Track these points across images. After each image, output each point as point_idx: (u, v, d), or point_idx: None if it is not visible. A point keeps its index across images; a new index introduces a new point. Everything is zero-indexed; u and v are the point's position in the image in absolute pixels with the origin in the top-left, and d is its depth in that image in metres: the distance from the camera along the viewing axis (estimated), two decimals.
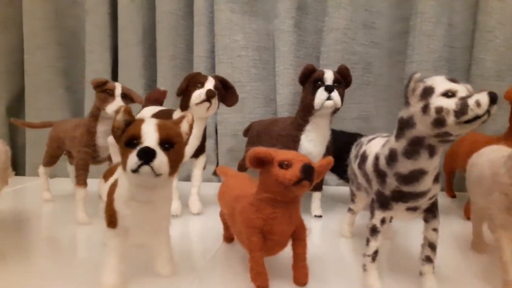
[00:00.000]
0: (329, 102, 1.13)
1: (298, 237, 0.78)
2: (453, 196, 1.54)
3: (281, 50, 1.71)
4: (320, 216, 1.26)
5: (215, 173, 1.85)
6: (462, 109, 0.59)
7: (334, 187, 1.73)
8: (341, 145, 1.22)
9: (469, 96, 0.60)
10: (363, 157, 0.83)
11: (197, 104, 1.15)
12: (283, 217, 0.74)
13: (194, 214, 1.28)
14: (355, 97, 1.69)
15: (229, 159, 1.83)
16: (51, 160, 1.41)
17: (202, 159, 1.32)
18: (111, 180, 0.81)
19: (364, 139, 0.91)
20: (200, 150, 1.29)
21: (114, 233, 0.74)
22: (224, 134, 1.82)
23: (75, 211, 1.18)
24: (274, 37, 1.76)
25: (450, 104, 0.61)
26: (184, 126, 0.73)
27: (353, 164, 0.92)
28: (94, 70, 1.90)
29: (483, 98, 0.58)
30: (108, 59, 1.92)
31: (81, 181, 1.18)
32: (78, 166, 1.19)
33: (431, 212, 0.77)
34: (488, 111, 0.59)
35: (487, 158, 0.86)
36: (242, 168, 1.47)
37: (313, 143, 1.19)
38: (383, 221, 0.76)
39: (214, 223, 1.13)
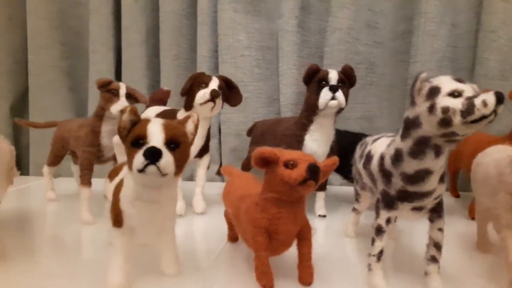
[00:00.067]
0: (334, 102, 1.13)
1: (303, 236, 0.78)
2: (457, 196, 1.54)
3: (285, 50, 1.71)
4: (324, 216, 1.27)
5: (218, 173, 1.85)
6: (468, 109, 0.59)
7: (338, 186, 1.73)
8: (345, 145, 1.21)
9: (475, 96, 0.60)
10: (368, 157, 0.83)
11: (201, 104, 1.16)
12: (288, 216, 0.74)
13: (198, 214, 1.28)
14: (358, 97, 1.69)
15: (232, 159, 1.83)
16: (55, 159, 1.41)
17: (206, 159, 1.32)
18: (116, 179, 0.81)
19: (369, 139, 0.91)
20: (204, 150, 1.30)
21: (120, 232, 0.74)
22: (228, 133, 1.83)
23: (80, 210, 1.18)
24: (277, 37, 1.76)
25: (457, 104, 0.61)
26: (189, 126, 0.73)
27: (358, 164, 0.92)
28: (98, 70, 1.91)
29: (490, 98, 0.58)
30: (112, 59, 1.93)
31: (85, 180, 1.19)
32: (83, 165, 1.20)
33: (436, 212, 0.77)
34: (494, 111, 0.59)
35: (493, 158, 0.85)
36: (245, 167, 1.47)
37: (317, 143, 1.19)
38: (388, 221, 0.76)
39: (218, 223, 1.13)
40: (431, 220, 0.77)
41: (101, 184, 1.09)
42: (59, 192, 1.50)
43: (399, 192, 0.73)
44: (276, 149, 0.73)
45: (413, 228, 1.14)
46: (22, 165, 2.06)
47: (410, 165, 0.69)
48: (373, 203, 0.90)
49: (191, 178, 1.79)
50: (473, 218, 1.22)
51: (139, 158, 0.63)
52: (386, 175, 0.74)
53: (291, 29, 1.69)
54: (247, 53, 1.77)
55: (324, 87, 1.14)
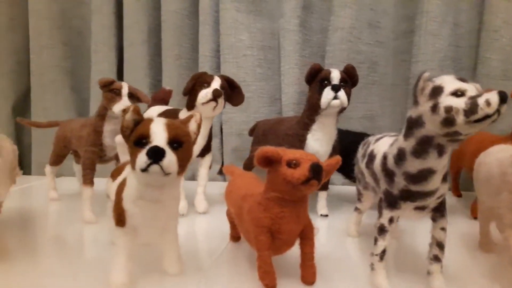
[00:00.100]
0: (336, 102, 1.12)
1: (306, 236, 0.78)
2: (459, 195, 1.54)
3: (287, 49, 1.71)
4: (326, 215, 1.26)
5: (220, 172, 1.85)
6: (472, 108, 0.59)
7: (340, 186, 1.73)
8: (347, 144, 1.21)
9: (478, 95, 0.60)
10: (371, 156, 0.83)
11: (203, 103, 1.16)
12: (291, 216, 0.74)
13: (200, 213, 1.28)
14: (360, 97, 1.68)
15: (234, 159, 1.83)
16: (57, 159, 1.41)
17: (208, 159, 1.32)
18: (119, 179, 0.81)
19: (371, 138, 0.91)
20: (206, 150, 1.30)
21: (123, 232, 0.74)
22: (229, 133, 1.83)
23: (82, 210, 1.18)
24: (279, 36, 1.76)
25: (460, 103, 0.61)
26: (192, 126, 0.73)
27: (361, 163, 0.92)
28: (100, 69, 1.91)
29: (493, 97, 0.58)
30: (114, 59, 1.93)
31: (87, 180, 1.19)
32: (85, 165, 1.20)
33: (439, 211, 0.77)
34: (498, 110, 0.59)
35: (495, 157, 0.85)
36: (247, 167, 1.47)
37: (319, 143, 1.19)
38: (391, 220, 0.76)
39: (220, 222, 1.13)
40: (434, 219, 0.77)
41: (103, 184, 1.09)
42: (61, 191, 1.50)
43: (402, 191, 0.73)
44: (279, 149, 0.73)
45: (415, 228, 1.14)
46: (24, 165, 2.06)
47: (413, 165, 0.69)
48: (376, 203, 0.90)
49: (193, 177, 1.79)
50: (475, 218, 1.22)
51: (142, 158, 0.63)
52: (389, 175, 0.74)
53: (293, 29, 1.69)
54: (249, 52, 1.77)
55: (326, 87, 1.14)
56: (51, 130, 1.48)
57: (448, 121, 0.62)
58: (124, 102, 1.15)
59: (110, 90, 1.16)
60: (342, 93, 1.13)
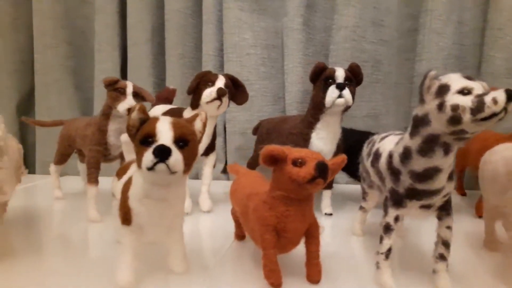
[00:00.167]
0: (340, 100, 1.12)
1: (311, 234, 0.78)
2: (463, 194, 1.54)
3: (290, 48, 1.71)
4: (331, 214, 1.26)
5: (224, 171, 1.85)
6: (478, 107, 0.59)
7: (344, 185, 1.72)
8: (351, 143, 1.21)
9: (485, 94, 0.60)
10: (376, 155, 0.83)
11: (207, 102, 1.16)
12: (296, 214, 0.74)
13: (205, 212, 1.28)
14: (364, 95, 1.68)
15: (237, 157, 1.83)
16: (62, 158, 1.42)
17: (212, 157, 1.32)
18: (124, 178, 0.81)
19: (376, 137, 0.91)
20: (210, 148, 1.30)
21: (129, 230, 0.74)
22: (233, 132, 1.83)
23: (87, 209, 1.19)
24: (282, 35, 1.76)
25: (466, 101, 0.60)
26: (197, 124, 0.74)
27: (366, 162, 0.92)
28: (103, 69, 1.91)
29: (500, 95, 0.58)
30: (117, 58, 1.93)
31: (92, 179, 1.19)
32: (90, 164, 1.20)
33: (444, 210, 0.77)
34: (505, 109, 0.58)
35: (501, 156, 0.85)
36: (251, 166, 1.47)
37: (323, 141, 1.19)
38: (396, 219, 0.76)
39: (225, 221, 1.13)
40: (440, 218, 0.77)
41: (107, 183, 1.09)
42: (65, 190, 1.51)
43: (407, 190, 0.73)
44: (285, 147, 0.73)
45: (420, 226, 1.14)
46: (28, 164, 2.07)
47: (419, 163, 0.69)
48: (380, 201, 0.90)
49: (196, 176, 1.80)
50: (480, 216, 1.22)
51: (148, 156, 0.63)
52: (395, 173, 0.74)
53: (297, 27, 1.69)
54: (252, 51, 1.77)
55: (331, 85, 1.13)
56: (55, 129, 1.48)
57: (455, 119, 0.61)
58: (128, 101, 1.15)
59: (115, 89, 1.16)
60: (346, 92, 1.12)
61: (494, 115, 0.59)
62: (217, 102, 1.15)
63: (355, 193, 1.53)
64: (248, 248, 0.97)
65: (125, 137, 0.90)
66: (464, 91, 0.61)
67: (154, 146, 0.64)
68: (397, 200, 0.75)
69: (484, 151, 0.99)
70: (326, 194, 1.29)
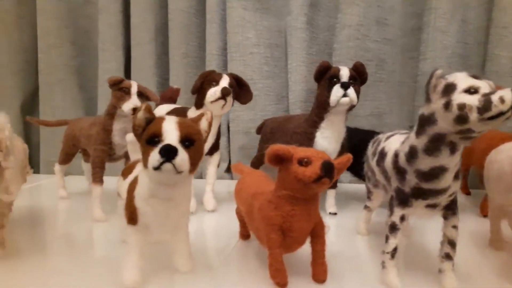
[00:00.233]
0: (345, 99, 1.12)
1: (317, 234, 0.78)
2: (468, 193, 1.53)
3: (294, 47, 1.71)
4: (335, 214, 1.26)
5: (228, 170, 1.85)
6: (485, 106, 0.59)
7: (347, 184, 1.72)
8: (356, 142, 1.21)
9: (492, 93, 0.60)
10: (382, 154, 0.83)
11: (212, 102, 1.16)
12: (302, 214, 0.74)
13: (209, 212, 1.29)
14: (368, 94, 1.68)
15: (241, 157, 1.83)
16: (66, 158, 1.42)
17: (216, 157, 1.32)
18: (130, 177, 0.81)
19: (381, 136, 0.91)
20: (214, 148, 1.30)
21: (135, 230, 0.75)
22: (236, 131, 1.83)
23: (92, 208, 1.19)
24: (286, 34, 1.76)
25: (473, 100, 0.60)
26: (203, 124, 0.74)
27: (371, 161, 0.91)
28: (107, 68, 1.91)
29: (507, 94, 0.58)
30: (121, 58, 1.93)
31: (97, 178, 1.19)
32: (95, 164, 1.20)
33: (450, 209, 0.77)
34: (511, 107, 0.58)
35: (507, 155, 0.85)
36: (255, 165, 1.47)
37: (328, 140, 1.19)
38: (402, 218, 0.76)
39: (229, 220, 1.14)
40: (445, 217, 0.77)
41: (111, 182, 1.09)
42: (70, 190, 1.51)
43: (413, 189, 0.72)
44: (290, 147, 0.73)
45: (425, 226, 1.14)
46: (32, 163, 2.06)
47: (425, 162, 0.69)
48: (385, 201, 0.90)
49: (200, 176, 1.80)
50: (485, 216, 1.21)
51: (155, 156, 0.64)
52: (401, 172, 0.74)
53: (300, 26, 1.69)
54: (256, 50, 1.77)
55: (336, 84, 1.13)
56: (59, 129, 1.49)
57: (461, 118, 0.61)
58: (133, 101, 1.15)
59: (120, 89, 1.17)
60: (351, 91, 1.12)
61: (501, 114, 0.59)
62: (222, 102, 1.15)
63: (358, 192, 1.53)
64: (253, 247, 0.97)
65: (130, 136, 0.90)
66: (471, 90, 0.61)
67: (160, 145, 0.64)
68: (403, 199, 0.75)
69: (489, 150, 0.99)
70: (331, 194, 1.29)
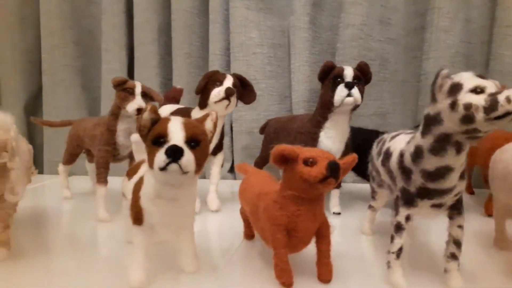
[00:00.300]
0: (349, 99, 1.12)
1: (322, 234, 0.78)
2: (471, 192, 1.53)
3: (297, 46, 1.71)
4: (339, 213, 1.26)
5: (231, 170, 1.86)
6: (492, 105, 0.59)
7: (351, 184, 1.72)
8: (359, 142, 1.21)
9: (498, 92, 0.60)
10: (387, 154, 0.83)
11: (216, 102, 1.16)
12: (307, 214, 0.74)
13: (213, 212, 1.29)
14: (371, 94, 1.68)
15: (244, 157, 1.83)
16: (70, 158, 1.43)
17: (220, 157, 1.33)
18: (135, 178, 0.82)
19: (386, 136, 0.91)
20: (218, 148, 1.30)
21: (140, 230, 0.75)
22: (240, 131, 1.83)
23: (96, 208, 1.19)
24: (289, 34, 1.76)
25: (479, 100, 0.60)
26: (208, 124, 0.74)
27: (376, 161, 0.91)
28: (110, 68, 1.91)
29: None
30: (124, 58, 1.93)
31: (101, 179, 1.20)
32: (99, 164, 1.21)
33: (456, 209, 0.76)
34: None
35: None
36: (259, 165, 1.48)
37: (332, 140, 1.19)
38: (408, 218, 0.76)
39: (233, 220, 1.14)
40: (451, 217, 0.77)
41: (115, 182, 1.10)
42: (73, 190, 1.51)
43: (419, 189, 0.72)
44: (295, 147, 0.73)
45: (429, 225, 1.14)
46: (36, 164, 2.07)
47: (431, 162, 0.69)
48: (389, 201, 0.89)
49: (204, 176, 1.80)
50: (489, 215, 1.21)
51: (161, 157, 0.64)
52: (406, 172, 0.74)
53: (303, 26, 1.69)
54: (259, 50, 1.77)
55: (340, 84, 1.13)
56: (62, 129, 1.50)
57: (468, 118, 0.61)
58: (137, 101, 1.16)
59: (124, 89, 1.17)
60: (355, 91, 1.12)
61: (507, 113, 0.59)
62: (226, 102, 1.16)
63: (362, 192, 1.53)
64: (257, 247, 0.97)
65: (135, 137, 0.90)
66: (477, 90, 0.61)
67: (166, 146, 0.64)
68: (408, 199, 0.74)
69: (494, 150, 0.98)
70: (335, 193, 1.29)
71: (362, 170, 1.20)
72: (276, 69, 1.81)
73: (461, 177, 0.71)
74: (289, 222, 0.74)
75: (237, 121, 1.82)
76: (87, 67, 2.05)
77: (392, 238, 0.77)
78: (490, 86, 0.61)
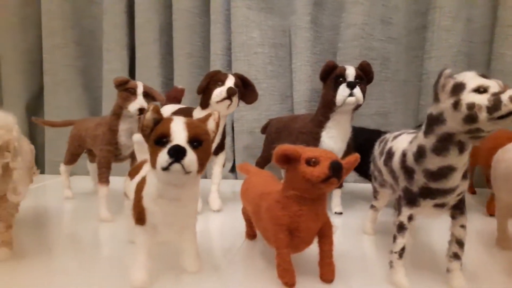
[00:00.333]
0: (351, 99, 1.12)
1: (325, 234, 0.78)
2: (473, 192, 1.53)
3: (298, 46, 1.71)
4: (341, 213, 1.26)
5: (232, 170, 1.86)
6: (495, 105, 0.59)
7: (352, 183, 1.72)
8: (361, 141, 1.21)
9: (501, 92, 0.60)
10: (389, 154, 0.83)
11: (218, 102, 1.16)
12: (309, 214, 0.74)
13: (215, 211, 1.29)
14: (373, 93, 1.67)
15: (245, 156, 1.83)
16: (72, 158, 1.43)
17: (221, 157, 1.33)
18: (137, 178, 0.82)
19: (388, 136, 0.91)
20: (219, 148, 1.30)
21: (143, 230, 0.75)
22: (241, 131, 1.83)
23: (98, 208, 1.19)
24: (290, 33, 1.76)
25: (483, 100, 0.60)
26: (210, 124, 0.74)
27: (378, 161, 0.91)
28: (112, 68, 1.91)
29: None
30: (125, 58, 1.93)
31: (103, 179, 1.20)
32: (101, 164, 1.21)
33: (458, 209, 0.76)
34: None
35: None
36: (260, 165, 1.47)
37: (334, 140, 1.19)
38: (410, 218, 0.76)
39: (235, 220, 1.14)
40: (453, 217, 0.77)
41: (117, 182, 1.09)
42: (75, 190, 1.51)
43: (421, 189, 0.72)
44: (298, 147, 0.73)
45: (432, 225, 1.13)
46: (37, 164, 2.07)
47: (433, 162, 0.69)
48: (391, 200, 0.89)
49: (205, 175, 1.80)
50: (491, 215, 1.21)
51: (163, 156, 0.64)
52: (408, 172, 0.74)
53: (304, 26, 1.69)
54: (260, 50, 1.77)
55: (342, 84, 1.13)
56: (64, 129, 1.50)
57: (471, 118, 0.61)
58: (139, 101, 1.16)
59: (125, 89, 1.17)
60: (357, 90, 1.12)
61: (511, 113, 0.58)
62: (227, 102, 1.16)
63: (364, 192, 1.53)
64: (259, 247, 0.98)
65: (137, 137, 0.90)
66: (480, 90, 0.61)
67: (169, 146, 0.64)
68: (410, 199, 0.74)
69: (496, 149, 0.98)
70: (336, 193, 1.28)
71: (364, 170, 1.20)
72: (277, 69, 1.81)
73: (464, 176, 0.71)
74: (291, 222, 0.74)
75: (238, 121, 1.82)
76: (88, 67, 2.05)
77: (395, 238, 0.77)
78: (493, 85, 0.61)
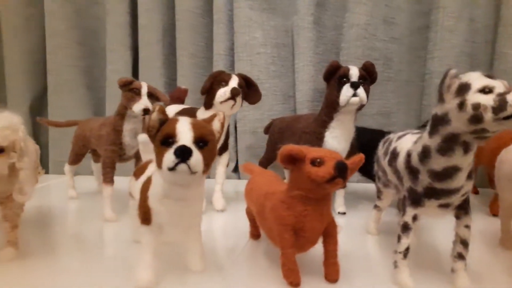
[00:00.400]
0: (355, 99, 1.12)
1: (329, 234, 0.78)
2: (476, 192, 1.53)
3: (301, 46, 1.71)
4: (344, 213, 1.26)
5: (235, 170, 1.86)
6: (501, 106, 0.59)
7: (355, 183, 1.72)
8: (364, 141, 1.21)
9: (507, 92, 0.60)
10: (394, 154, 0.83)
11: (221, 102, 1.16)
12: (314, 214, 0.75)
13: (218, 211, 1.29)
14: (375, 93, 1.67)
15: (248, 156, 1.83)
16: (76, 158, 1.43)
17: (225, 157, 1.33)
18: (142, 177, 0.82)
19: (393, 136, 0.91)
20: (223, 148, 1.31)
21: (148, 230, 0.75)
22: (244, 131, 1.83)
23: (103, 208, 1.20)
24: (293, 33, 1.76)
25: (488, 100, 0.60)
26: (216, 124, 0.74)
27: (383, 161, 0.91)
28: (115, 69, 1.92)
29: None
30: (129, 58, 1.94)
31: (108, 179, 1.20)
32: (105, 164, 1.21)
33: (463, 209, 0.77)
34: None
35: None
36: (263, 165, 1.48)
37: (337, 140, 1.19)
38: (415, 218, 0.76)
39: (239, 220, 1.14)
40: (458, 217, 0.77)
41: (121, 182, 1.10)
42: (79, 190, 1.52)
43: (426, 189, 0.73)
44: (303, 147, 0.73)
45: (436, 225, 1.13)
46: (42, 164, 2.08)
47: (438, 162, 0.69)
48: (395, 200, 0.89)
49: (208, 175, 1.80)
50: (494, 215, 1.21)
51: (169, 157, 0.64)
52: (413, 172, 0.74)
53: (307, 26, 1.69)
54: (262, 50, 1.77)
55: (345, 84, 1.13)
56: (68, 129, 1.50)
57: (476, 118, 0.61)
58: (143, 102, 1.16)
59: (130, 90, 1.17)
60: (361, 90, 1.12)
61: None
62: (231, 102, 1.16)
63: (367, 192, 1.53)
64: (263, 247, 0.98)
65: (142, 137, 0.91)
66: (485, 90, 0.61)
67: (175, 146, 0.64)
68: (415, 199, 0.75)
69: (499, 150, 0.98)
70: (340, 193, 1.29)
71: (367, 170, 1.20)
72: (280, 69, 1.81)
73: (469, 177, 0.71)
74: (296, 222, 0.75)
75: (241, 121, 1.83)
76: (91, 67, 2.06)
77: (399, 238, 0.77)
78: (499, 86, 0.62)
